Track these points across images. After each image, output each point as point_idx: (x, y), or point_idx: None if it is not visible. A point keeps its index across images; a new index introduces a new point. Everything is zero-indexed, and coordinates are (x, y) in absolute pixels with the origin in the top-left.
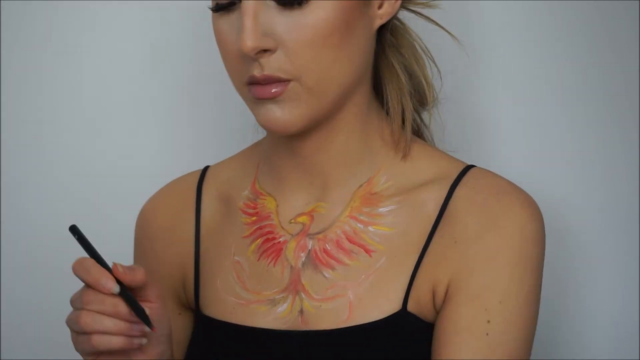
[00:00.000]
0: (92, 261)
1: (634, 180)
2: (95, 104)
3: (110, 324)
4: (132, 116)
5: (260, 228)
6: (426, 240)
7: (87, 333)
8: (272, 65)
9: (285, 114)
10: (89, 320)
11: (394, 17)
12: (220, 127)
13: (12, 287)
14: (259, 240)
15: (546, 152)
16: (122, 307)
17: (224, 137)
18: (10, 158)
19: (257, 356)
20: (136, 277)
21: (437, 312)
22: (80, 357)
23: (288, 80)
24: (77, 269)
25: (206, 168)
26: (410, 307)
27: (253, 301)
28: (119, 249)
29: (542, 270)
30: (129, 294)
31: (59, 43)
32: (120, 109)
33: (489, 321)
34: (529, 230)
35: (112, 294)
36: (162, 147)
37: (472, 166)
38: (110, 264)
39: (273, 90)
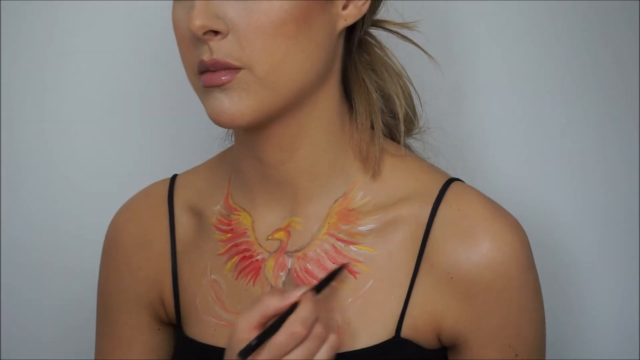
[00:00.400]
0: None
1: (634, 180)
2: (95, 103)
3: None
4: (133, 115)
5: (236, 245)
6: (415, 266)
7: None
8: (221, 50)
9: (234, 104)
10: None
11: (363, 29)
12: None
13: (12, 287)
14: (236, 259)
15: (544, 153)
16: None
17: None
18: (10, 158)
19: None
20: None
21: (442, 342)
22: (79, 357)
23: (238, 68)
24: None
25: (174, 177)
26: (405, 334)
27: (227, 321)
28: None
29: (539, 284)
30: None
31: (58, 43)
32: (122, 109)
33: (517, 355)
34: (524, 258)
35: None
36: (163, 147)
37: (453, 180)
38: None
39: (222, 78)
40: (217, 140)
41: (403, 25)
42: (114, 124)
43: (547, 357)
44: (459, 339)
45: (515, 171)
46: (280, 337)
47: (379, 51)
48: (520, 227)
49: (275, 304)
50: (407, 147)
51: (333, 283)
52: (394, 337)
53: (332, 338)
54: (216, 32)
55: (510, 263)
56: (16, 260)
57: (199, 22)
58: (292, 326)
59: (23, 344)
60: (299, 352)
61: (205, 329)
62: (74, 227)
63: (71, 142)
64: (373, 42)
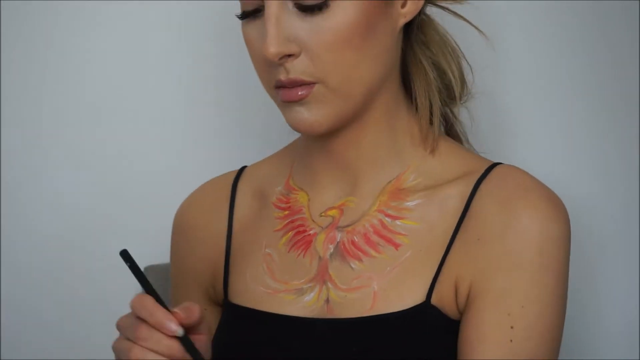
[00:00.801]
0: (153, 301)
1: (635, 181)
2: (97, 104)
3: None
4: (136, 116)
5: (292, 222)
6: (451, 235)
7: None
8: (296, 69)
9: (312, 115)
10: (140, 356)
11: (420, 13)
12: (244, 130)
13: (12, 288)
14: (290, 233)
15: (569, 151)
16: (177, 349)
17: (247, 140)
18: (11, 157)
19: (282, 342)
20: (194, 317)
21: (459, 309)
22: (78, 357)
23: (313, 83)
24: (138, 308)
25: (243, 168)
26: (434, 301)
27: (281, 290)
28: (131, 248)
29: (567, 272)
30: (188, 339)
31: (58, 43)
32: (124, 109)
33: (512, 327)
34: (553, 230)
35: (173, 337)
36: (182, 146)
37: (499, 163)
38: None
39: (299, 93)
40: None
41: (453, 1)
42: (114, 124)
43: None
44: (469, 300)
45: (537, 169)
46: (129, 322)
47: (432, 30)
48: (561, 203)
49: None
50: (458, 132)
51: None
52: (423, 303)
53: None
54: (289, 55)
55: (537, 228)
56: (16, 260)
57: (273, 49)
58: (137, 325)
59: (23, 344)
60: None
61: (253, 296)
62: (75, 228)
63: (73, 143)
64: (426, 19)
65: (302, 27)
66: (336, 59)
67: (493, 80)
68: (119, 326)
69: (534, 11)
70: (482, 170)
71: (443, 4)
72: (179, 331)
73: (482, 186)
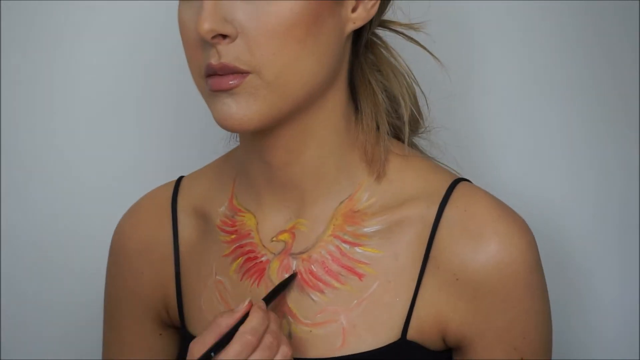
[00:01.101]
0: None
1: (634, 181)
2: (97, 104)
3: None
4: (135, 115)
5: (240, 247)
6: (420, 267)
7: None
8: (230, 54)
9: (242, 108)
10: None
11: (371, 30)
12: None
13: (13, 287)
14: (240, 260)
15: (543, 153)
16: None
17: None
18: (11, 157)
19: None
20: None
21: (447, 344)
22: (78, 357)
23: (246, 72)
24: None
25: (180, 180)
26: (411, 336)
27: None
28: None
29: (546, 286)
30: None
31: (59, 43)
32: (123, 110)
33: (522, 358)
34: (530, 259)
35: None
36: (166, 148)
37: (460, 180)
38: None
39: (230, 82)
40: (222, 141)
41: (409, 26)
42: (116, 124)
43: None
44: (464, 341)
45: (512, 173)
46: (233, 347)
47: (384, 52)
48: (528, 228)
49: (227, 322)
50: (414, 146)
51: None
52: (400, 339)
53: (283, 349)
54: (225, 36)
55: (518, 264)
56: (17, 260)
57: (207, 25)
58: (243, 336)
59: (23, 344)
60: None
61: None
62: (75, 227)
63: (73, 142)
64: (379, 42)
65: (242, 8)
66: (275, 48)
67: (471, 84)
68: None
69: (529, 11)
70: (444, 190)
71: (397, 28)
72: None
73: (447, 212)
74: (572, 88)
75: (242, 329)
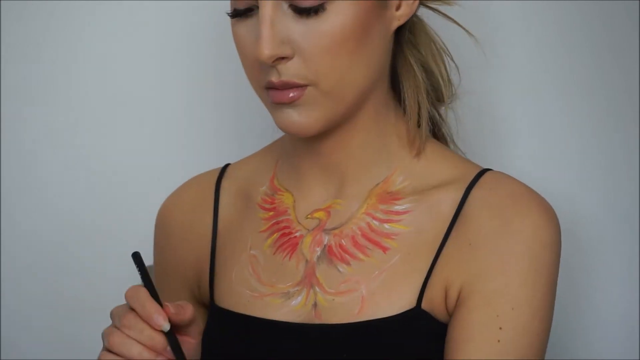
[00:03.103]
0: (147, 293)
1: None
2: (100, 103)
3: (136, 351)
4: (139, 115)
5: (277, 223)
6: (442, 240)
7: (112, 352)
8: (289, 72)
9: (303, 117)
10: (118, 341)
11: (413, 17)
12: (239, 128)
13: (13, 287)
14: (276, 235)
15: (557, 151)
16: (159, 341)
17: (242, 138)
18: (11, 156)
19: (270, 348)
20: (185, 316)
21: (449, 313)
22: (78, 357)
23: (305, 85)
24: (131, 298)
25: (226, 166)
26: (424, 306)
27: (267, 294)
28: (119, 249)
29: (556, 276)
30: (175, 336)
31: (59, 43)
32: (127, 108)
33: (500, 328)
34: (544, 235)
35: (160, 331)
36: (168, 148)
37: (488, 170)
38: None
39: (290, 95)
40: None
41: (444, 1)
42: (118, 124)
43: (547, 358)
44: (457, 303)
45: (526, 170)
46: (121, 311)
47: (419, 27)
48: (552, 210)
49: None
50: (445, 135)
51: None
52: (414, 308)
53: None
54: (283, 57)
55: (529, 235)
56: (17, 260)
57: (267, 52)
58: (125, 313)
59: (23, 344)
60: None
61: (238, 299)
62: (76, 227)
63: (74, 142)
64: (416, 20)
65: (296, 29)
66: (330, 62)
67: (484, 80)
68: (111, 314)
69: (532, 10)
70: (472, 176)
71: (433, 4)
72: (165, 325)
73: (473, 192)
74: (580, 85)
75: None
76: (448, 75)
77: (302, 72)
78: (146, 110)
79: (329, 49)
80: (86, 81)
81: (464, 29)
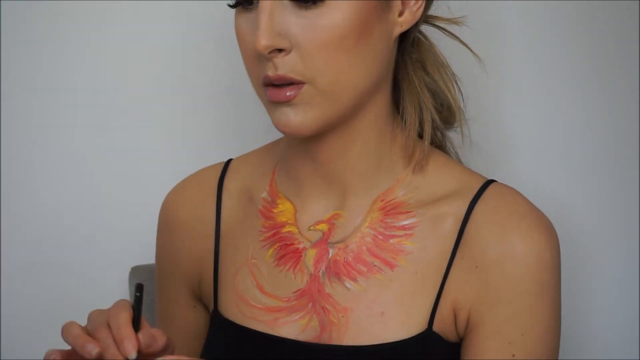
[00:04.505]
0: (128, 318)
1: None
2: (99, 102)
3: (94, 352)
4: (138, 113)
5: (277, 233)
6: (448, 260)
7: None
8: (286, 66)
9: (299, 117)
10: (81, 342)
11: (417, 29)
12: (237, 125)
13: (12, 287)
14: (277, 246)
15: (559, 158)
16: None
17: (242, 137)
18: (12, 156)
19: None
20: (156, 348)
21: (459, 335)
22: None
23: (301, 83)
24: (112, 316)
25: (228, 162)
26: (435, 328)
27: (271, 307)
28: (119, 249)
29: (559, 294)
30: None
31: (60, 42)
32: (126, 107)
33: (513, 355)
34: (547, 257)
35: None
36: (165, 147)
37: (493, 181)
38: None
39: (287, 94)
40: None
41: (451, 20)
42: (119, 124)
43: None
44: (468, 328)
45: (527, 178)
46: (99, 320)
47: (428, 48)
48: (552, 229)
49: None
50: (448, 150)
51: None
52: (426, 330)
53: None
54: (280, 50)
55: (533, 258)
56: (17, 260)
57: (265, 42)
58: (101, 326)
59: (23, 344)
60: None
61: (243, 311)
62: (76, 228)
63: (74, 142)
64: (422, 39)
65: (295, 22)
66: (328, 58)
67: (483, 87)
68: (90, 315)
69: (533, 13)
70: (476, 189)
71: (440, 23)
72: (132, 354)
73: (477, 208)
74: (581, 89)
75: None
76: (459, 103)
77: (299, 67)
78: (146, 110)
79: (327, 44)
80: (86, 81)
81: (470, 50)
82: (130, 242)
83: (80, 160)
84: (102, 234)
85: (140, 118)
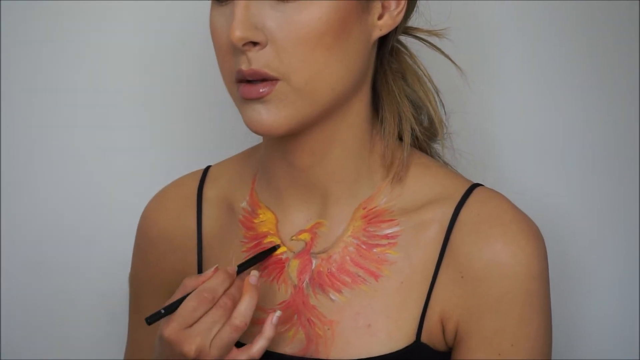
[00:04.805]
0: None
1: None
2: (99, 102)
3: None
4: (138, 113)
5: (260, 244)
6: (434, 270)
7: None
8: (260, 61)
9: (271, 115)
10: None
11: (396, 37)
12: (223, 128)
13: (13, 287)
14: None
15: (550, 156)
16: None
17: (226, 138)
18: (11, 156)
19: None
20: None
21: (447, 344)
22: (79, 357)
23: (275, 80)
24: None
25: (207, 169)
26: (424, 339)
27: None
28: (119, 248)
29: (549, 302)
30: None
31: (60, 42)
32: (126, 107)
33: None
34: (535, 266)
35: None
36: (164, 147)
37: (477, 185)
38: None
39: (260, 90)
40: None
41: (432, 32)
42: (119, 124)
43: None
44: (456, 339)
45: (516, 176)
46: (189, 302)
47: (408, 59)
48: (539, 235)
49: (192, 283)
50: (432, 153)
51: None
52: (414, 342)
53: (236, 321)
54: (255, 43)
55: (520, 267)
56: (17, 260)
57: (239, 33)
58: (200, 293)
59: (23, 344)
60: (202, 321)
61: None
62: (76, 228)
63: (74, 142)
64: (402, 49)
65: (272, 16)
66: (304, 55)
67: (485, 88)
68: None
69: (532, 12)
70: (460, 195)
71: (421, 34)
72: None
73: (461, 215)
74: (577, 91)
75: (200, 287)
76: (440, 115)
77: (274, 63)
78: (146, 110)
79: (304, 40)
80: (86, 81)
81: (452, 61)
82: (130, 242)
83: (80, 160)
84: (102, 234)
85: (140, 118)
